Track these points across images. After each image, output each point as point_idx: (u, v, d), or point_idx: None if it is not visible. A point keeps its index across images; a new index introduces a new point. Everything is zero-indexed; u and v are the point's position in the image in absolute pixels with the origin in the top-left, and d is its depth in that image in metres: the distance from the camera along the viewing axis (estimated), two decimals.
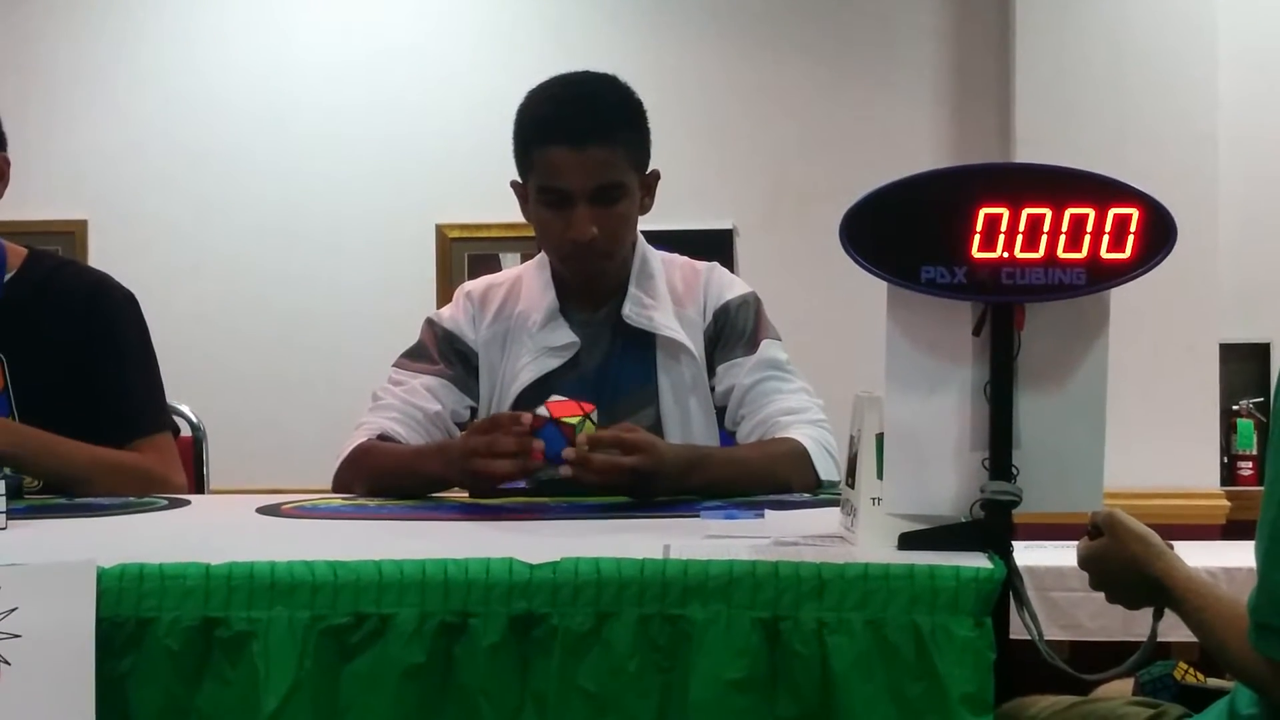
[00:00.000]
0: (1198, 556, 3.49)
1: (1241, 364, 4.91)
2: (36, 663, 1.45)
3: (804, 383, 2.47)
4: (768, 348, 2.46)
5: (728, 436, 2.48)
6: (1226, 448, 4.87)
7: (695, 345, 2.47)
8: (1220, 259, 4.67)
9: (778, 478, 2.25)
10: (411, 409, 2.43)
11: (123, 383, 2.54)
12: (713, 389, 2.47)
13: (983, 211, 1.55)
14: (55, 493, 2.40)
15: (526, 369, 2.46)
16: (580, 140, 2.34)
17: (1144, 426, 4.37)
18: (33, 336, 2.49)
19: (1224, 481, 4.79)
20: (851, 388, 1.76)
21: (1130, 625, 3.48)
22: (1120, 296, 1.58)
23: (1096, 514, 1.88)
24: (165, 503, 2.25)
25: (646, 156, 2.46)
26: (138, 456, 2.50)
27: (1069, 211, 1.55)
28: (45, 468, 2.40)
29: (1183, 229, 1.57)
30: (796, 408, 2.39)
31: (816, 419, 2.39)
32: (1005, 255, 1.55)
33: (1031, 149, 4.68)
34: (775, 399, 2.41)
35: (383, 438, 2.39)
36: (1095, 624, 3.68)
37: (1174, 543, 1.89)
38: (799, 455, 2.29)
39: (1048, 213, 1.55)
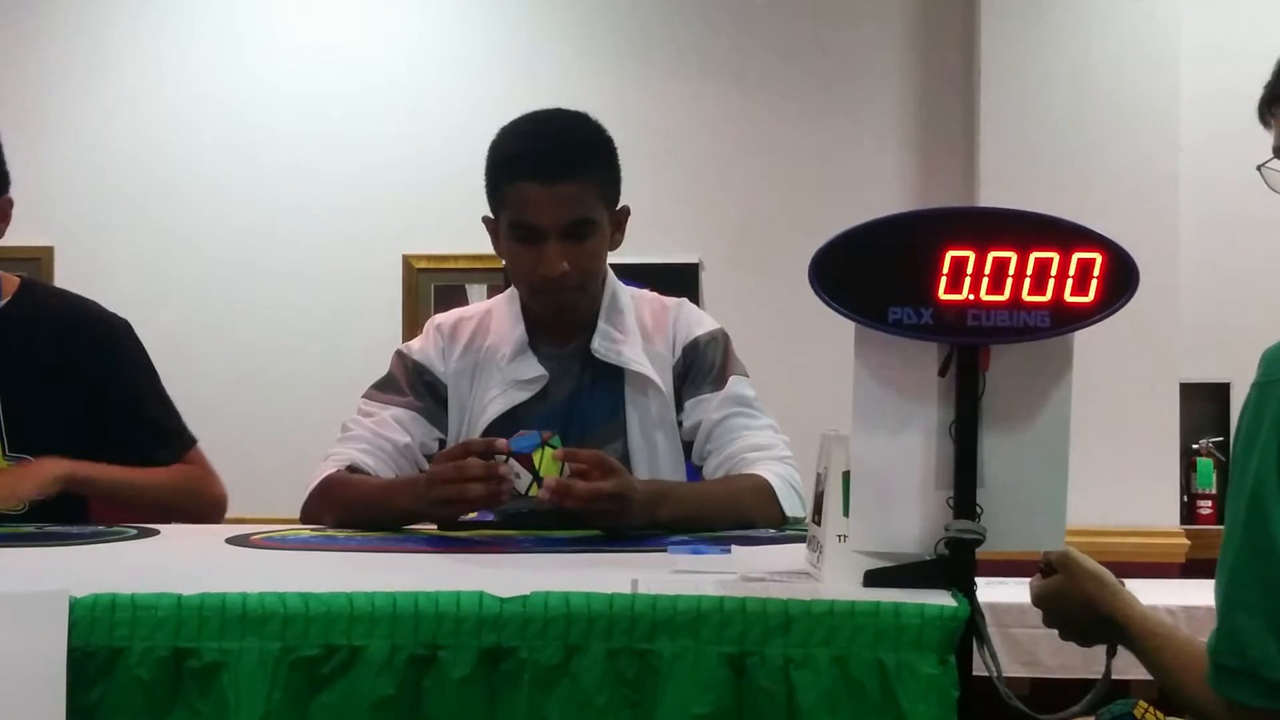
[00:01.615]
0: (1157, 595, 3.54)
1: (1201, 403, 4.95)
2: (7, 691, 1.45)
3: (771, 419, 2.48)
4: (735, 384, 2.47)
5: (695, 472, 2.50)
6: (1186, 486, 4.91)
7: (663, 380, 2.48)
8: (1181, 299, 4.72)
9: (742, 513, 2.26)
10: (381, 440, 2.44)
11: (143, 413, 2.62)
12: (680, 424, 2.49)
13: (949, 254, 1.57)
14: (26, 520, 2.42)
15: (495, 402, 2.47)
16: (552, 177, 2.35)
17: (1104, 465, 4.40)
18: (24, 362, 2.54)
19: (1184, 520, 4.82)
20: (814, 422, 1.77)
21: (1091, 662, 3.48)
22: (1080, 335, 1.60)
23: (1050, 552, 1.90)
24: (134, 532, 2.26)
25: (617, 193, 2.48)
26: (184, 469, 2.62)
27: (1034, 255, 1.57)
28: (118, 499, 2.51)
29: (1144, 269, 1.58)
30: (763, 444, 2.40)
31: (783, 455, 2.40)
32: (971, 297, 1.57)
33: (995, 190, 4.72)
34: (742, 435, 2.42)
35: (352, 469, 2.39)
36: (1055, 661, 3.69)
37: (1126, 581, 1.91)
38: (764, 491, 2.31)
39: (1013, 256, 1.57)
